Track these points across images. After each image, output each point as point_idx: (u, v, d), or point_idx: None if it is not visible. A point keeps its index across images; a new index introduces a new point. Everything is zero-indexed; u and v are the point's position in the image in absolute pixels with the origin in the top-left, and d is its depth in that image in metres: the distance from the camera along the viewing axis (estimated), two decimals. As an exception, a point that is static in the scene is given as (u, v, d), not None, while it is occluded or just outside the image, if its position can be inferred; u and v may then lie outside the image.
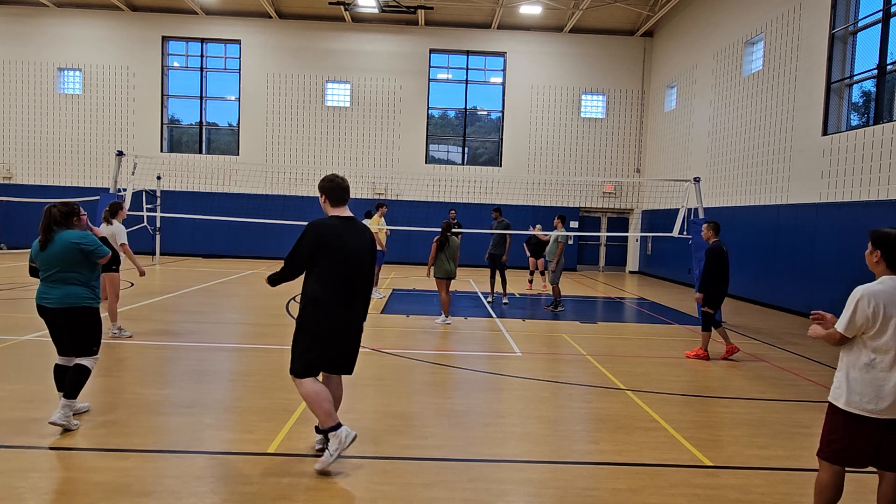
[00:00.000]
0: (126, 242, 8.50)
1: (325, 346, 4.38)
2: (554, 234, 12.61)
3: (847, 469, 3.49)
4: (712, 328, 8.64)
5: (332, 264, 4.34)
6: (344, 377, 4.72)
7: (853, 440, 3.36)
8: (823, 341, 3.53)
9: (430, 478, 4.39)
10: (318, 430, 4.61)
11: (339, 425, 4.38)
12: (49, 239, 4.95)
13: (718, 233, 8.66)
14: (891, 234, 3.34)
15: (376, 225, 13.16)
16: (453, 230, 10.84)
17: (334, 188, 4.51)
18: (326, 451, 4.37)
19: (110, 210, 8.55)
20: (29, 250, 5.20)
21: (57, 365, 5.17)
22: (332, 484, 4.22)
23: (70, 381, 4.94)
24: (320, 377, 4.55)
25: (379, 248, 12.40)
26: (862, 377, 3.34)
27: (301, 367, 4.39)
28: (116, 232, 8.37)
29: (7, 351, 7.57)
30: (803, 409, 6.37)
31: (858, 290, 3.36)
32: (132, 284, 13.65)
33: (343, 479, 4.30)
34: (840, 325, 3.39)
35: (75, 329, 5.00)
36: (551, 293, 13.03)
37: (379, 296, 13.51)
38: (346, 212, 4.54)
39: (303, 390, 4.39)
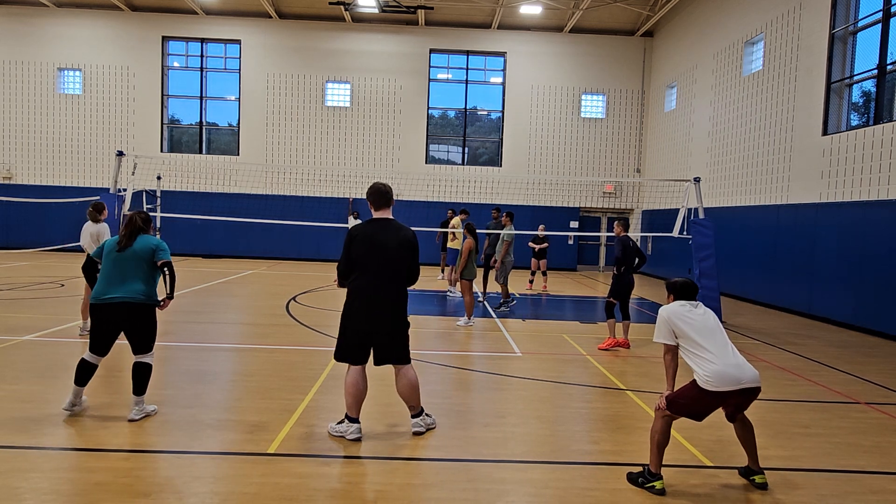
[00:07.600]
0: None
1: (355, 330, 4.89)
2: (502, 232, 12.65)
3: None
4: (614, 320, 9.26)
5: (361, 259, 4.88)
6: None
7: (695, 404, 4.26)
8: (665, 366, 4.43)
9: (430, 478, 4.39)
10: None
11: (355, 420, 4.96)
12: (130, 244, 5.28)
13: (628, 229, 9.44)
14: (678, 283, 4.61)
15: (457, 228, 14.21)
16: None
17: (371, 192, 5.06)
18: (337, 424, 5.02)
19: (96, 208, 8.70)
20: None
21: (83, 360, 5.24)
22: (332, 484, 4.23)
23: (139, 380, 5.25)
24: (359, 371, 5.00)
25: (456, 247, 13.59)
26: (698, 366, 4.28)
27: (337, 352, 5.02)
28: (101, 231, 8.53)
29: (7, 351, 7.57)
30: (803, 409, 6.36)
31: (660, 311, 4.47)
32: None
33: (343, 480, 4.31)
34: (655, 337, 4.45)
35: (138, 326, 5.25)
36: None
37: (451, 292, 14.45)
38: (385, 214, 5.03)
39: (346, 376, 4.98)
